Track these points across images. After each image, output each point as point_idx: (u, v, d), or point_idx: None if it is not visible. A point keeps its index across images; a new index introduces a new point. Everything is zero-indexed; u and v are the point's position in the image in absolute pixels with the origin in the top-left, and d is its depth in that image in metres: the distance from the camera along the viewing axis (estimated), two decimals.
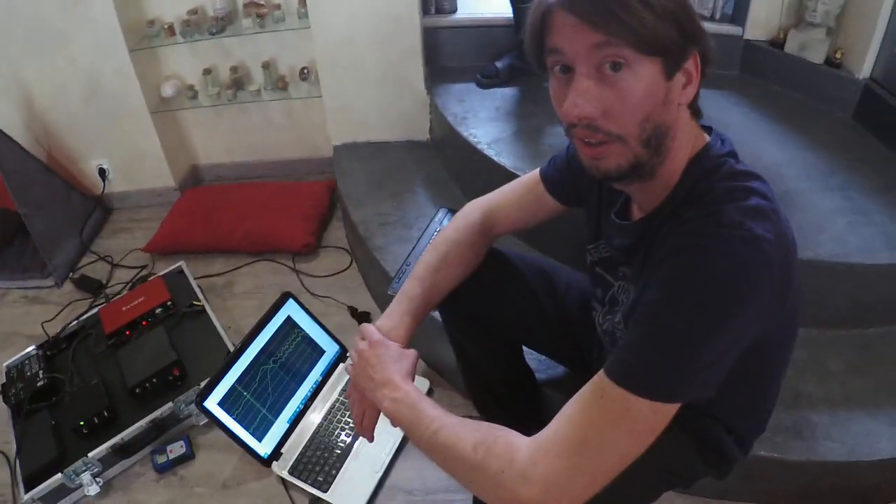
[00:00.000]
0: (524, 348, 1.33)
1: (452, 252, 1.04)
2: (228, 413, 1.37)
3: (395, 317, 0.99)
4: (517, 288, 1.13)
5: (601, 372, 0.71)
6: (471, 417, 0.82)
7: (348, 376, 1.55)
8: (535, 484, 0.69)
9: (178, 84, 2.26)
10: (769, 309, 0.70)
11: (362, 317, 1.83)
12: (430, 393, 1.59)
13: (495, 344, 1.22)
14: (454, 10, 2.17)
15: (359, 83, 2.10)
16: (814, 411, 1.31)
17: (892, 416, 1.30)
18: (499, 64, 2.08)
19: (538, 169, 1.05)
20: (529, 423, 0.81)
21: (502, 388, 1.30)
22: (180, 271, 1.94)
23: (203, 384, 1.38)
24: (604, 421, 0.69)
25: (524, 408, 1.33)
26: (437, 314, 1.21)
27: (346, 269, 2.04)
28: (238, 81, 2.24)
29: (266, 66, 2.20)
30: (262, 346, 1.46)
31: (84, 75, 2.13)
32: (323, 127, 2.27)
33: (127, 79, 2.14)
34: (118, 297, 1.90)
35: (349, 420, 1.48)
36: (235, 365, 1.41)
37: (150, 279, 1.93)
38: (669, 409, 0.69)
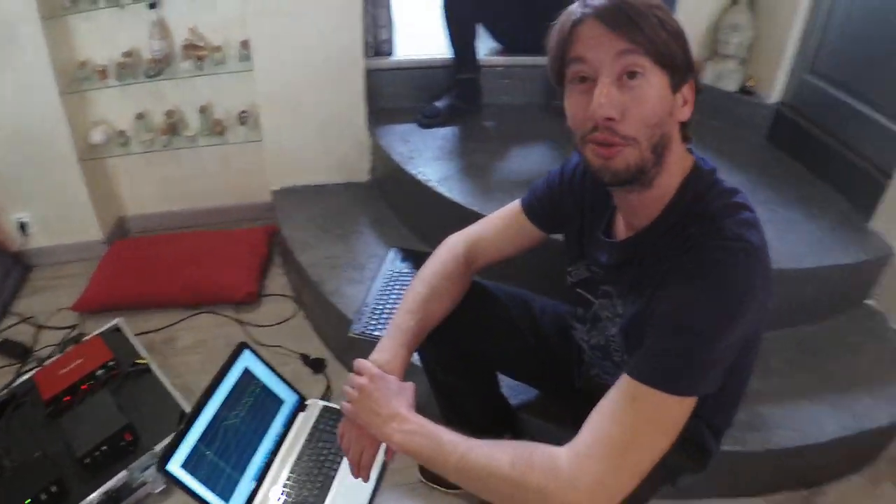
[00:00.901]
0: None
1: (442, 285, 1.05)
2: (193, 475, 1.28)
3: (390, 350, 0.98)
4: (500, 319, 1.15)
5: (625, 377, 0.77)
6: None
7: (311, 425, 1.51)
8: (585, 489, 0.73)
9: (109, 130, 2.14)
10: (761, 308, 0.79)
11: (316, 364, 1.79)
12: None
13: (474, 374, 1.23)
14: (391, 52, 2.22)
15: (301, 126, 2.09)
16: (765, 405, 1.44)
17: (832, 401, 1.46)
18: (439, 104, 2.13)
19: (518, 200, 1.09)
20: None
21: (482, 416, 1.30)
22: (117, 329, 1.82)
23: (164, 446, 1.28)
24: (640, 421, 0.75)
25: (504, 434, 1.33)
26: None
27: (292, 317, 1.98)
28: (173, 126, 2.16)
29: (203, 110, 2.14)
30: (221, 400, 1.38)
31: (9, 119, 1.97)
32: (258, 172, 2.22)
33: (55, 123, 2.00)
34: (52, 360, 1.74)
35: (318, 470, 1.42)
36: (196, 423, 1.32)
37: (86, 339, 1.79)
38: (691, 403, 0.78)
